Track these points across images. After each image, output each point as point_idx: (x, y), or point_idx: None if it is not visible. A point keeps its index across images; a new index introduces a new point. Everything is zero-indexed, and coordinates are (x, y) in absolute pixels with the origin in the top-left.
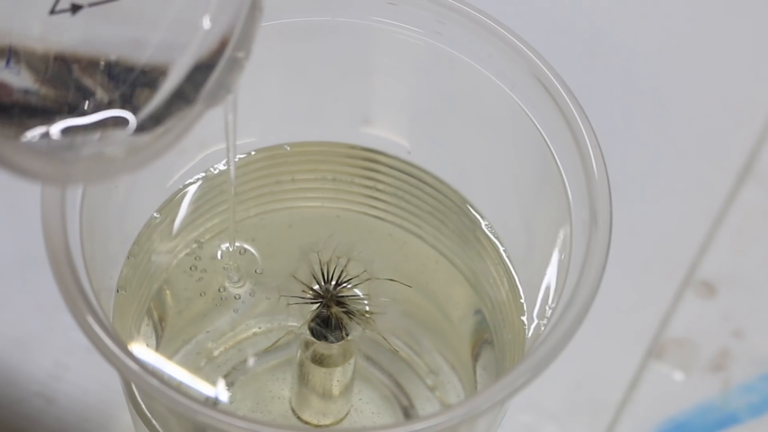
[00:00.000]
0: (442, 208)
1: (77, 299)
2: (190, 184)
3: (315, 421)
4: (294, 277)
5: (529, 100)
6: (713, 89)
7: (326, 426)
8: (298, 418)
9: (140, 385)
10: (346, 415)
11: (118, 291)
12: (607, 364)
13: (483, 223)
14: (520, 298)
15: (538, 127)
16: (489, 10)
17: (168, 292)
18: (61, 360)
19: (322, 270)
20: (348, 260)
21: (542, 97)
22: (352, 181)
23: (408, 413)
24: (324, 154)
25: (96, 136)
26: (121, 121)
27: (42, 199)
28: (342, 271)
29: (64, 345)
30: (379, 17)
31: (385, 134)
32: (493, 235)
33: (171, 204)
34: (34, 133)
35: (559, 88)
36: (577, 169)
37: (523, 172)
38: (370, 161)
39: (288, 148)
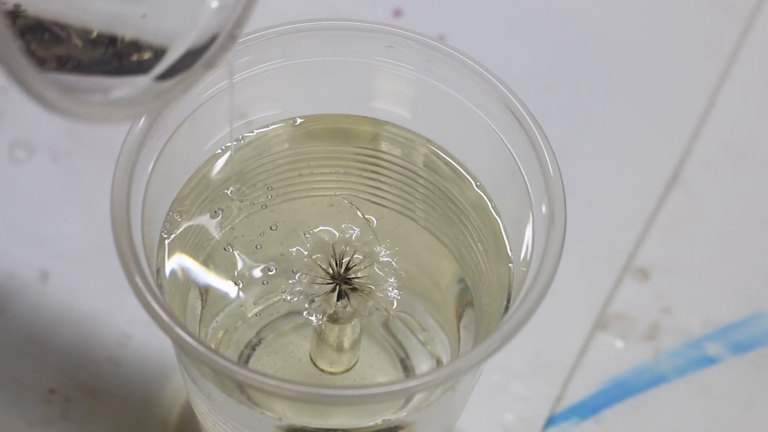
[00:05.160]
0: (432, 197)
1: (140, 283)
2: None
3: (330, 369)
4: (314, 262)
5: (500, 123)
6: (646, 112)
7: (338, 373)
8: (316, 366)
9: (189, 350)
10: (355, 364)
11: (163, 235)
12: (562, 334)
13: (474, 184)
14: (508, 250)
15: (507, 144)
16: (468, 51)
17: (211, 264)
18: (127, 331)
19: (335, 258)
20: (355, 250)
21: (510, 120)
22: (360, 175)
23: (404, 363)
24: (338, 153)
25: (118, 84)
26: (140, 73)
27: (111, 202)
28: (350, 259)
29: (129, 319)
30: (381, 57)
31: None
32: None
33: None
34: (74, 78)
35: (524, 113)
36: (538, 177)
37: (495, 179)
38: (374, 158)
39: (298, 121)
